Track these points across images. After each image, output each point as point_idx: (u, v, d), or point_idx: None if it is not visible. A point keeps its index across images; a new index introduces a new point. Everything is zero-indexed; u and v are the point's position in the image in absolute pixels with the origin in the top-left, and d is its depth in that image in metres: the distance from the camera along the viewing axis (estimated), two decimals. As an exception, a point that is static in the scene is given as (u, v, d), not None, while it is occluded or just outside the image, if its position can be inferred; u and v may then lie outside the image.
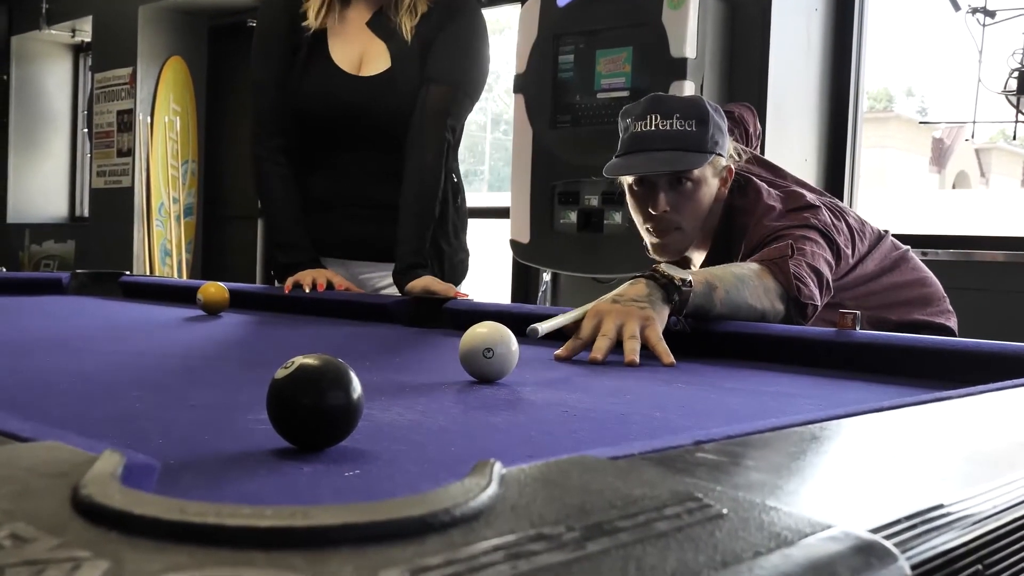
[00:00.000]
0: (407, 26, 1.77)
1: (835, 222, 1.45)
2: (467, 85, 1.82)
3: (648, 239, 1.56)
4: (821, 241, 1.39)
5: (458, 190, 1.92)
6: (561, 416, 0.74)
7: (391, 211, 1.76)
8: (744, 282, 1.25)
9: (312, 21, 1.78)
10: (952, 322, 1.57)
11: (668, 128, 1.47)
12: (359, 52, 1.82)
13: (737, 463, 0.37)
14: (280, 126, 1.83)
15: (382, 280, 1.87)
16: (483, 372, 0.88)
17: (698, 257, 1.59)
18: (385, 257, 1.81)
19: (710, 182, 1.51)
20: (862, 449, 0.49)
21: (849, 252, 1.46)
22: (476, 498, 0.27)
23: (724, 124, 1.53)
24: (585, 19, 2.84)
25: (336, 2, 1.81)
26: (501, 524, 0.26)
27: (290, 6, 1.82)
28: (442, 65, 1.78)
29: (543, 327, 1.11)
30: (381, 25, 1.81)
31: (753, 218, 1.46)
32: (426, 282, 1.66)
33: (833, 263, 1.40)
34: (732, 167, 1.54)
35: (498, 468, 0.30)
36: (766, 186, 1.52)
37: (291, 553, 0.24)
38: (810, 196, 1.50)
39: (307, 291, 1.68)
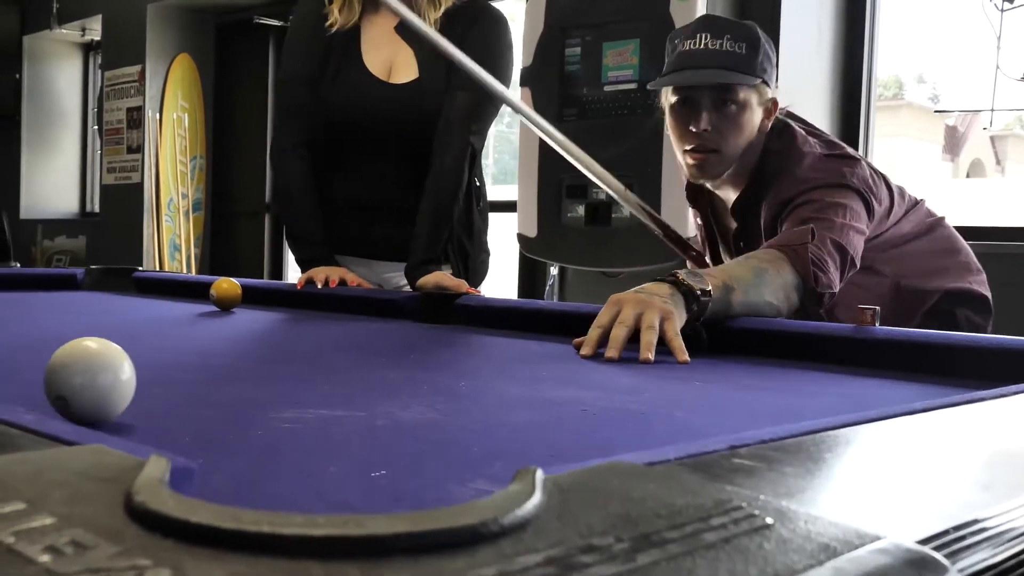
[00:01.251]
0: (431, 18, 1.76)
1: (874, 178, 1.42)
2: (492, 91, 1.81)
3: (684, 161, 1.52)
4: (855, 205, 1.35)
5: (480, 194, 1.92)
6: (580, 415, 0.74)
7: (416, 214, 1.77)
8: (762, 278, 1.24)
9: (338, 21, 1.77)
10: (989, 294, 1.53)
11: (718, 48, 1.43)
12: (389, 58, 1.82)
13: (774, 469, 0.36)
14: (306, 122, 1.82)
15: (405, 279, 1.88)
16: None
17: (731, 195, 1.55)
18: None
19: (755, 109, 1.47)
20: (900, 455, 0.48)
21: (887, 207, 1.42)
22: (522, 507, 0.27)
23: (774, 56, 1.49)
24: (592, 12, 2.83)
25: (358, 5, 1.80)
26: (550, 534, 0.26)
27: (325, 5, 1.82)
28: (468, 72, 1.78)
29: None
30: (408, 30, 1.80)
31: (788, 161, 1.43)
32: (438, 278, 1.66)
33: (866, 229, 1.37)
34: (776, 100, 1.50)
35: (540, 475, 0.30)
36: (803, 133, 1.49)
37: (347, 563, 0.24)
38: (849, 149, 1.48)
39: (319, 287, 1.69)
